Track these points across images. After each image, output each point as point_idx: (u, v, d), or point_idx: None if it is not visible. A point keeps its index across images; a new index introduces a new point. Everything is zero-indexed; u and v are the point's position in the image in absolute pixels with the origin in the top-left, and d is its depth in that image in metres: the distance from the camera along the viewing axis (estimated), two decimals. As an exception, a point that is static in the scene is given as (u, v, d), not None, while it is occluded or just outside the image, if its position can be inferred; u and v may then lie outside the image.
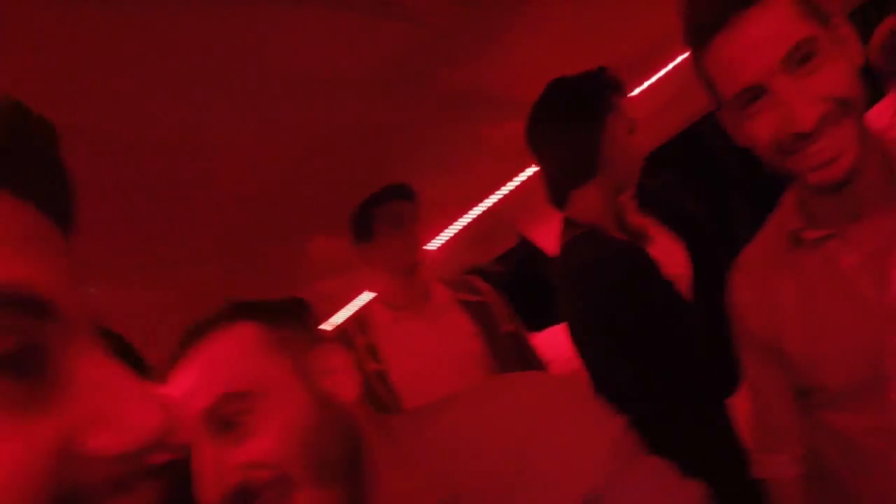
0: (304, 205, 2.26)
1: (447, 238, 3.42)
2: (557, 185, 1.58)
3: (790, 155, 0.90)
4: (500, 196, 3.35)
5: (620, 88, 1.56)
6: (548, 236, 3.88)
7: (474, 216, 3.38)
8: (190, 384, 0.81)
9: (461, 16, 1.55)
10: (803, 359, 1.02)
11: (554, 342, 2.55)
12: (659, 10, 2.13)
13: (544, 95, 1.58)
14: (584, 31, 2.09)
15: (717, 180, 4.44)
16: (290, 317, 0.92)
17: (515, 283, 2.27)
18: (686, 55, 2.73)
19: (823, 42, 0.87)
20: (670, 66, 2.91)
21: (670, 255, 1.56)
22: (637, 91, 2.89)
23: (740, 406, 1.31)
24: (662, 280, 1.43)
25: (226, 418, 0.78)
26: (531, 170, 3.25)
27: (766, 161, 0.95)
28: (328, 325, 3.59)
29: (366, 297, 3.42)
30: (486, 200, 3.34)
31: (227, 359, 0.83)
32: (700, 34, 0.91)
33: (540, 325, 2.29)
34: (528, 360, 2.16)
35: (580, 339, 1.55)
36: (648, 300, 1.39)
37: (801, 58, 0.86)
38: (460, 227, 3.42)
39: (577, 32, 2.08)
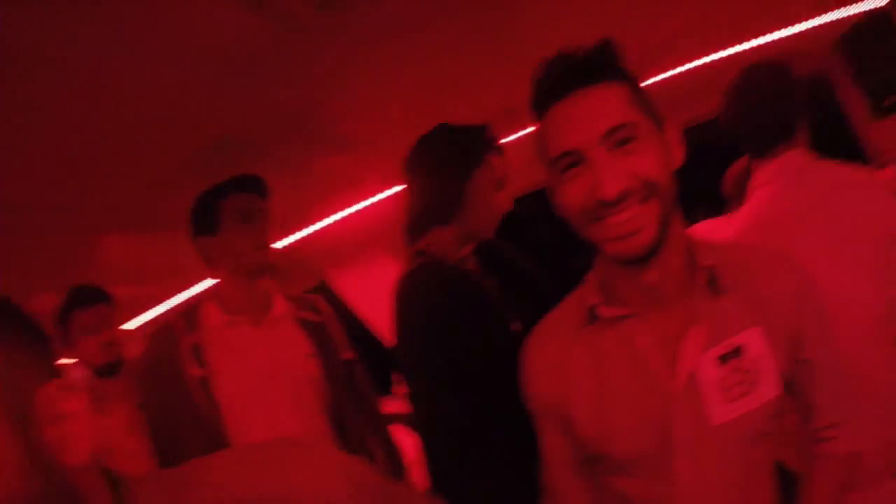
0: (109, 197, 2.03)
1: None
2: (417, 221, 1.65)
3: (594, 222, 0.97)
4: (310, 231, 3.31)
5: (496, 148, 1.67)
6: (349, 285, 3.90)
7: (281, 247, 3.29)
8: None
9: (322, 33, 1.52)
10: (591, 428, 1.07)
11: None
12: (504, 80, 2.25)
13: (428, 135, 1.67)
14: (436, 87, 2.13)
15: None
16: (17, 325, 0.69)
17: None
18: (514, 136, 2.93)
19: (645, 132, 0.97)
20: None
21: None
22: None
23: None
24: (497, 314, 1.50)
25: None
26: (344, 212, 3.28)
27: (575, 227, 1.02)
28: (132, 325, 3.26)
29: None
30: (297, 233, 3.27)
31: None
32: (543, 100, 1.01)
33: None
34: (362, 392, 2.07)
35: (407, 364, 1.57)
36: (478, 329, 1.44)
37: (620, 139, 0.95)
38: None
39: (430, 87, 2.11)
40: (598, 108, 0.96)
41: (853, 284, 1.44)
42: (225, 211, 1.85)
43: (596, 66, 0.98)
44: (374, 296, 3.46)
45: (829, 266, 1.37)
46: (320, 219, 3.29)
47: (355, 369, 2.06)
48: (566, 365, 1.10)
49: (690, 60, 3.01)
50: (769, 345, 1.01)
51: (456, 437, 1.45)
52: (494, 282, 1.67)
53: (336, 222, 3.33)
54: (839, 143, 3.71)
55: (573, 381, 1.09)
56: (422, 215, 1.64)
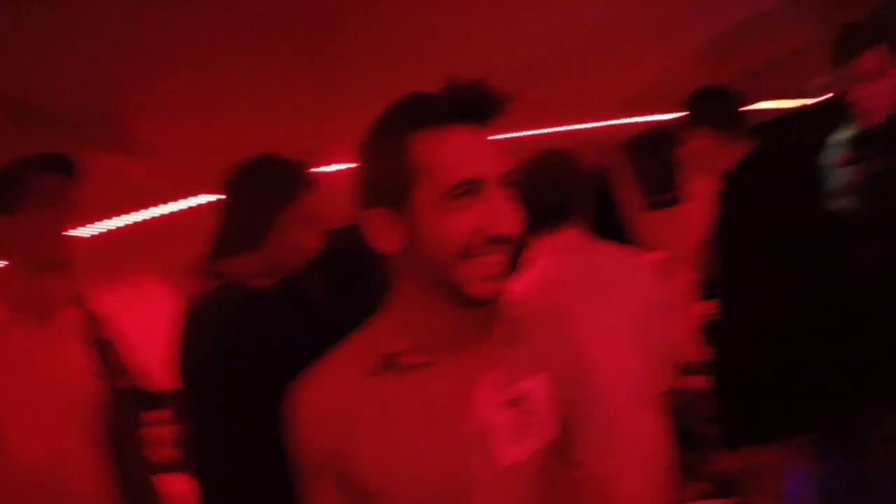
0: None
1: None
2: (222, 244, 1.61)
3: (470, 258, 0.93)
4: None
5: (312, 186, 1.64)
6: (106, 305, 3.50)
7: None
8: None
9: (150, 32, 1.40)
10: (377, 481, 1.03)
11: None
12: (312, 118, 2.23)
13: (250, 162, 1.63)
14: (246, 112, 2.06)
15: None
16: None
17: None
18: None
19: None
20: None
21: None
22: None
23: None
24: (296, 347, 1.43)
25: None
26: (114, 221, 2.94)
27: (436, 263, 0.95)
28: None
29: None
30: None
31: None
32: (450, 113, 0.95)
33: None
34: (136, 423, 1.94)
35: (192, 388, 1.51)
36: (274, 358, 1.37)
37: (513, 182, 0.96)
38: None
39: (239, 111, 2.04)
40: (500, 147, 0.96)
41: (618, 349, 1.62)
42: (30, 190, 1.68)
43: (504, 106, 0.97)
44: (133, 322, 3.14)
45: (597, 331, 1.49)
46: (86, 223, 2.93)
47: (130, 398, 1.94)
48: (351, 415, 1.03)
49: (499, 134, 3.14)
50: (549, 389, 1.07)
51: (231, 473, 1.41)
52: (294, 317, 1.64)
53: (106, 232, 2.97)
54: (614, 228, 4.14)
55: (358, 432, 1.03)
56: (228, 239, 1.61)
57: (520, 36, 1.95)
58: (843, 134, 2.04)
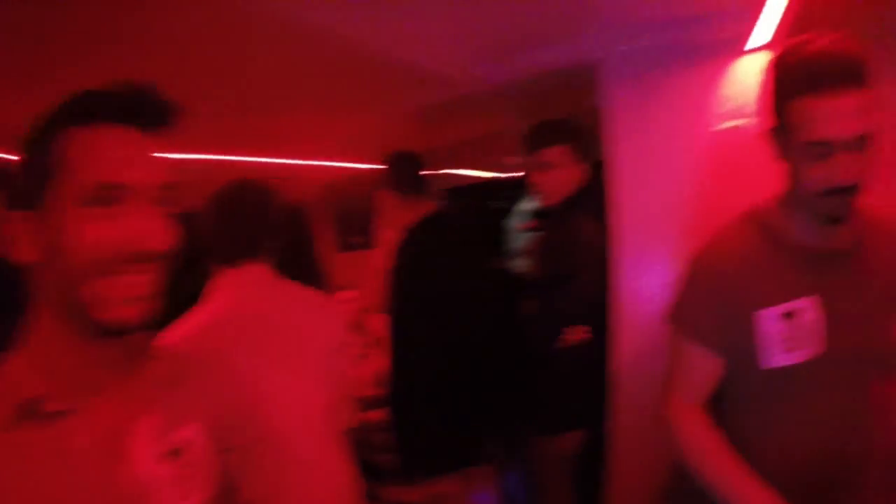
0: None
1: None
2: None
3: (105, 276, 0.82)
4: None
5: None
6: None
7: None
8: None
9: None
10: None
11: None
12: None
13: None
14: None
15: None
16: None
17: None
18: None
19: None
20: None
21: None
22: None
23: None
24: None
25: None
26: None
27: (65, 280, 0.82)
28: None
29: None
30: None
31: None
32: (104, 111, 0.85)
33: None
34: None
35: None
36: None
37: (164, 197, 0.87)
38: None
39: None
40: (159, 157, 0.88)
41: (302, 385, 1.62)
42: None
43: (172, 117, 0.88)
44: None
45: (280, 368, 1.54)
46: None
47: None
48: None
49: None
50: (207, 437, 1.00)
51: None
52: None
53: None
54: (306, 267, 4.23)
55: None
56: None
57: (247, 64, 1.91)
58: (526, 206, 2.43)
